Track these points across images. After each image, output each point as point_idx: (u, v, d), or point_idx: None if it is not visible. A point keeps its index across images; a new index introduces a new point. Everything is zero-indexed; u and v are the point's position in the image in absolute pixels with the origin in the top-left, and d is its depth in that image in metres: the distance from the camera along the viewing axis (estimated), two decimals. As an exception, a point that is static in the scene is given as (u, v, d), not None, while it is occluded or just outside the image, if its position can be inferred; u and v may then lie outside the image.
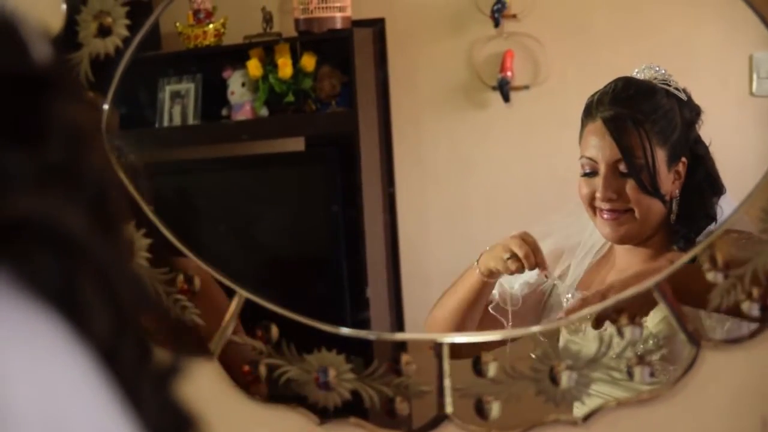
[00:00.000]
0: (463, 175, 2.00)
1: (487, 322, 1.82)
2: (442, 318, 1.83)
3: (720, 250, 1.61)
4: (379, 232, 1.99)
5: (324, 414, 1.79)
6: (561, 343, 1.76)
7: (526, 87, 1.93)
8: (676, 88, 1.75)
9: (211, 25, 2.02)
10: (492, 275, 1.79)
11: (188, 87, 2.06)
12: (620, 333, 1.66)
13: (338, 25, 1.98)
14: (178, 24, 2.03)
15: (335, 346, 1.79)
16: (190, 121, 2.06)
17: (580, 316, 1.73)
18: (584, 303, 1.69)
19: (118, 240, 0.61)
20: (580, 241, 1.83)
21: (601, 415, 1.70)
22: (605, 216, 1.75)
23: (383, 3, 2.00)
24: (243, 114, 2.03)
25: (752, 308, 1.59)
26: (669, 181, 1.74)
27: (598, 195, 1.74)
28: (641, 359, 1.66)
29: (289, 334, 1.81)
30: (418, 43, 2.00)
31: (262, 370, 1.80)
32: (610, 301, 1.68)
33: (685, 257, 1.64)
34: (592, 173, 1.75)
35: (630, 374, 1.66)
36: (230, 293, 1.83)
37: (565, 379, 1.67)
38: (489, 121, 1.97)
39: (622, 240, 1.78)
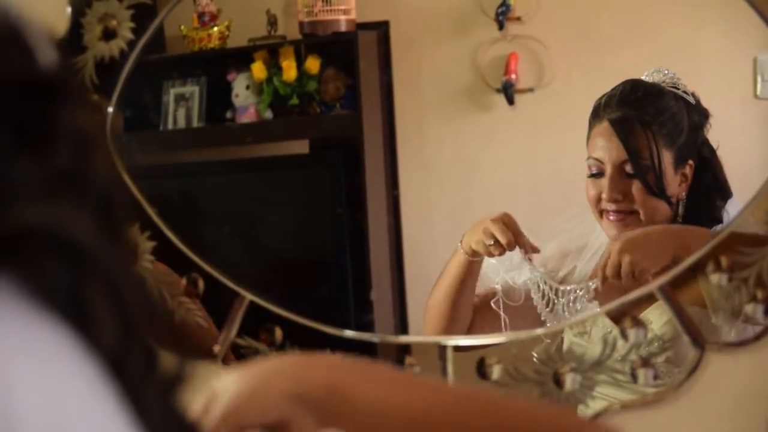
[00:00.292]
0: (467, 177, 2.00)
1: (489, 317, 1.82)
2: (436, 304, 1.83)
3: (725, 252, 1.61)
4: (383, 235, 1.99)
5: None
6: (565, 344, 1.76)
7: (531, 90, 1.93)
8: (684, 92, 1.76)
9: (215, 28, 2.02)
10: (476, 254, 1.79)
11: (193, 90, 2.06)
12: (624, 335, 1.66)
13: (342, 28, 1.99)
14: (182, 27, 2.03)
15: (339, 349, 1.79)
16: (195, 123, 2.06)
17: (584, 318, 1.73)
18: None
19: (123, 246, 0.61)
20: (587, 243, 1.83)
21: (606, 418, 1.70)
22: (611, 217, 1.75)
23: (387, 6, 2.00)
24: (247, 117, 2.03)
25: (756, 311, 1.59)
26: (675, 184, 1.74)
27: (604, 196, 1.74)
28: (645, 362, 1.65)
29: (293, 337, 1.81)
30: (423, 45, 2.01)
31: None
32: (615, 303, 1.69)
33: (690, 259, 1.64)
34: (598, 174, 1.75)
35: (634, 377, 1.66)
36: (233, 295, 1.83)
37: (569, 381, 1.67)
38: (493, 124, 1.97)
39: (627, 242, 1.78)
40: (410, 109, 2.00)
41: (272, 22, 2.03)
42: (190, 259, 1.86)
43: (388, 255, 1.99)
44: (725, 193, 1.75)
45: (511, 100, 1.93)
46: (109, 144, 1.84)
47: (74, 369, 0.55)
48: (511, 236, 1.76)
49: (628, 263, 1.69)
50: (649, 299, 1.67)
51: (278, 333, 1.80)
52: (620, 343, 1.66)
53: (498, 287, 1.83)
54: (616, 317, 1.69)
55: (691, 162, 1.75)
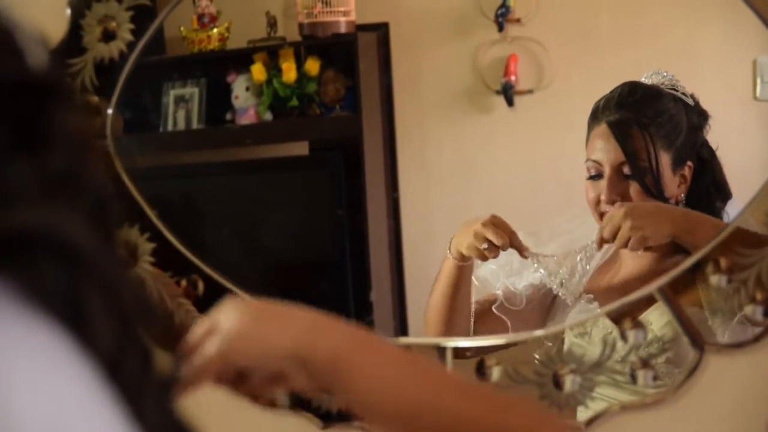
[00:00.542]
0: (467, 179, 2.00)
1: (491, 322, 1.82)
2: (433, 310, 1.83)
3: (724, 254, 1.61)
4: (383, 236, 1.99)
5: (327, 418, 1.79)
6: (565, 346, 1.76)
7: (530, 91, 1.93)
8: (683, 93, 1.76)
9: (215, 30, 2.02)
10: (465, 259, 1.79)
11: (192, 91, 2.06)
12: (624, 336, 1.66)
13: (342, 30, 1.99)
14: (182, 28, 2.03)
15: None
16: (195, 125, 2.06)
17: (584, 319, 1.73)
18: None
19: (118, 248, 0.61)
20: (586, 245, 1.83)
21: (605, 419, 1.70)
22: (610, 219, 1.75)
23: (387, 7, 2.00)
24: (247, 118, 2.03)
25: (756, 312, 1.59)
26: (674, 185, 1.74)
27: (602, 198, 1.74)
28: (645, 363, 1.65)
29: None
30: (422, 47, 2.01)
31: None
32: (615, 305, 1.69)
33: (689, 261, 1.64)
34: (597, 176, 1.76)
35: (634, 378, 1.66)
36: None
37: (569, 383, 1.67)
38: (493, 126, 1.97)
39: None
40: (410, 111, 2.00)
41: (272, 23, 2.03)
42: (190, 261, 1.86)
43: (387, 256, 1.99)
44: (725, 195, 1.75)
45: (510, 102, 1.93)
46: (106, 145, 1.84)
47: (72, 372, 0.54)
48: (506, 237, 1.75)
49: (629, 228, 1.69)
50: (648, 300, 1.67)
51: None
52: (620, 344, 1.66)
53: (499, 293, 1.83)
54: (616, 318, 1.69)
55: (689, 163, 1.75)
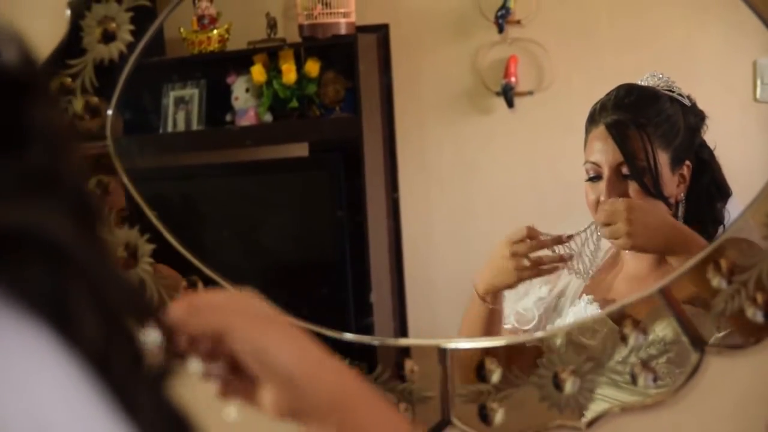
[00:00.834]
0: (467, 180, 2.00)
1: None
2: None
3: (724, 255, 1.61)
4: (383, 238, 1.99)
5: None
6: (566, 347, 1.75)
7: (530, 92, 1.93)
8: (680, 94, 1.76)
9: (215, 31, 2.02)
10: (496, 299, 1.78)
11: (192, 93, 2.06)
12: (624, 338, 1.66)
13: (342, 31, 1.99)
14: (182, 30, 2.03)
15: (339, 352, 1.78)
16: (194, 126, 2.06)
17: (585, 320, 1.73)
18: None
19: (102, 243, 0.60)
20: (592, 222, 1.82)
21: (606, 420, 1.70)
22: (610, 220, 1.75)
23: (387, 9, 2.00)
24: (247, 120, 2.03)
25: (756, 314, 1.59)
26: (673, 184, 1.75)
27: (602, 199, 1.74)
28: (645, 364, 1.65)
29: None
30: (422, 48, 2.00)
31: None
32: (616, 306, 1.69)
33: (690, 262, 1.64)
34: (596, 177, 1.76)
35: (634, 379, 1.66)
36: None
37: (569, 384, 1.67)
38: (493, 127, 1.97)
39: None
40: (410, 112, 2.00)
41: (272, 25, 2.02)
42: (190, 262, 1.86)
43: (388, 257, 1.99)
44: (725, 193, 1.76)
45: (510, 103, 1.93)
46: (106, 146, 1.84)
47: (56, 370, 0.54)
48: (535, 243, 1.75)
49: (625, 232, 1.68)
50: (649, 301, 1.67)
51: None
52: (620, 345, 1.66)
53: (511, 318, 1.82)
54: (617, 319, 1.69)
55: (688, 163, 1.75)
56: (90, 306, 0.56)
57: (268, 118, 2.03)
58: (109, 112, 1.85)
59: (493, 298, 1.78)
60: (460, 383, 1.75)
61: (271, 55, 2.02)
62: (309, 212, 2.08)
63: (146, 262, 1.83)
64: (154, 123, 2.07)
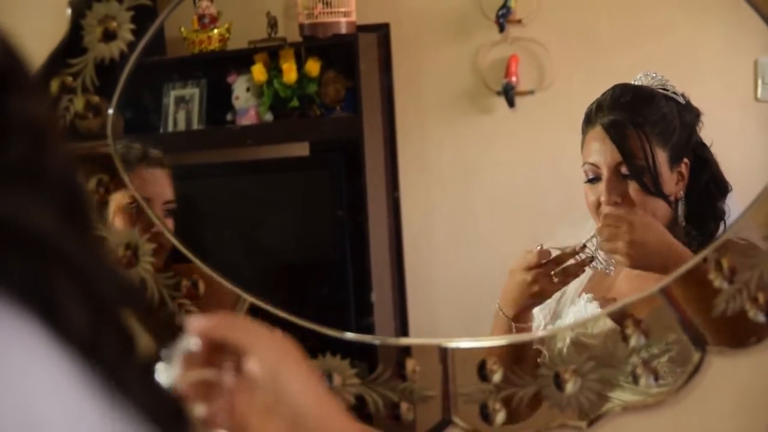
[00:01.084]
0: (467, 179, 2.00)
1: None
2: None
3: (725, 255, 1.61)
4: (383, 237, 1.99)
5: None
6: (567, 346, 1.75)
7: (531, 92, 1.93)
8: (674, 92, 1.76)
9: (215, 30, 2.02)
10: (525, 317, 1.77)
11: (193, 92, 2.06)
12: (625, 337, 1.65)
13: (343, 30, 1.98)
14: (183, 29, 2.03)
15: (340, 351, 1.79)
16: (195, 126, 2.05)
17: (586, 319, 1.73)
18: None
19: (89, 234, 0.60)
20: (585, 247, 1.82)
21: (607, 420, 1.69)
22: (611, 221, 1.75)
23: (388, 8, 2.00)
24: (248, 119, 2.03)
25: (758, 314, 1.59)
26: (672, 182, 1.75)
27: (602, 199, 1.74)
28: (647, 364, 1.65)
29: (294, 339, 1.80)
30: (423, 48, 2.00)
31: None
32: (617, 305, 1.69)
33: (692, 261, 1.64)
34: (595, 179, 1.75)
35: (635, 379, 1.65)
36: (234, 297, 1.83)
37: (571, 383, 1.67)
38: (494, 126, 1.97)
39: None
40: (411, 112, 2.00)
41: (272, 24, 2.02)
42: (191, 261, 1.86)
43: (388, 257, 1.99)
44: (724, 190, 1.76)
45: (511, 103, 1.93)
46: (107, 145, 1.84)
47: (43, 360, 0.54)
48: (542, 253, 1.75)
49: (626, 244, 1.68)
50: (650, 301, 1.67)
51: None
52: (621, 345, 1.66)
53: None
54: (618, 319, 1.69)
55: (686, 160, 1.75)
56: (77, 297, 0.56)
57: (268, 117, 2.02)
58: (110, 111, 1.85)
59: (524, 318, 1.77)
60: (461, 383, 1.74)
61: (272, 55, 2.02)
62: (309, 212, 2.08)
63: (147, 261, 1.83)
64: (154, 122, 2.07)
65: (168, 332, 0.91)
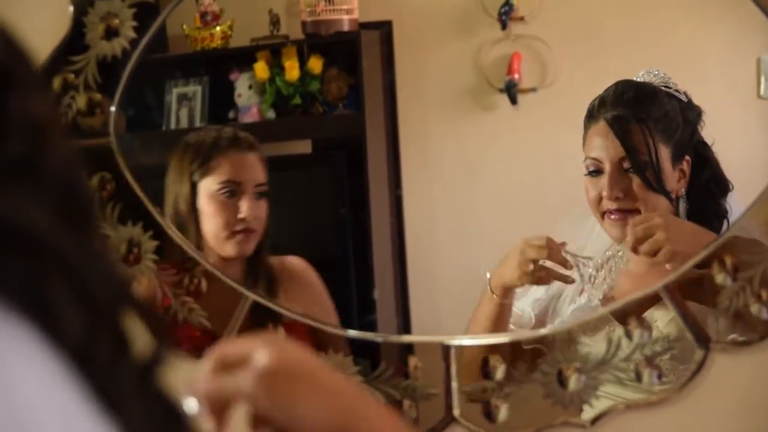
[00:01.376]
0: (470, 177, 2.00)
1: None
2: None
3: (728, 253, 1.61)
4: (386, 235, 1.99)
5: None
6: (570, 344, 1.75)
7: (534, 89, 1.93)
8: (677, 90, 1.76)
9: (218, 28, 2.02)
10: (507, 294, 1.78)
11: (195, 89, 2.06)
12: (629, 335, 1.65)
13: (345, 28, 1.98)
14: (185, 26, 2.03)
15: (342, 349, 1.79)
16: (197, 123, 2.05)
17: (589, 318, 1.73)
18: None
19: (89, 235, 0.59)
20: (586, 245, 1.82)
21: (610, 418, 1.69)
22: (612, 217, 1.75)
23: (390, 5, 2.00)
24: (250, 116, 2.03)
25: (761, 311, 1.59)
26: (674, 179, 1.75)
27: (604, 194, 1.74)
28: (650, 361, 1.65)
29: (296, 338, 1.80)
30: (426, 45, 2.00)
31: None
32: (620, 303, 1.69)
33: (695, 259, 1.64)
34: (595, 171, 1.75)
35: (638, 376, 1.65)
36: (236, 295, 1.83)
37: (574, 381, 1.67)
38: (496, 124, 1.97)
39: (630, 241, 1.77)
40: (413, 109, 2.00)
41: (275, 21, 2.02)
42: (193, 258, 1.86)
43: (391, 254, 1.99)
44: (725, 188, 1.76)
45: (514, 100, 1.93)
46: (109, 142, 1.84)
47: (35, 363, 0.53)
48: (545, 250, 1.74)
49: (664, 240, 1.67)
50: (653, 299, 1.67)
51: (281, 333, 1.80)
52: (625, 342, 1.66)
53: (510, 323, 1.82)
54: (621, 317, 1.69)
55: (687, 158, 1.75)
56: (71, 300, 0.55)
57: (271, 115, 2.02)
58: (112, 108, 1.85)
59: (503, 292, 1.77)
60: (464, 381, 1.74)
61: (274, 52, 2.02)
62: (312, 209, 2.08)
63: (149, 258, 1.83)
64: (157, 120, 2.07)
65: (168, 332, 0.90)
